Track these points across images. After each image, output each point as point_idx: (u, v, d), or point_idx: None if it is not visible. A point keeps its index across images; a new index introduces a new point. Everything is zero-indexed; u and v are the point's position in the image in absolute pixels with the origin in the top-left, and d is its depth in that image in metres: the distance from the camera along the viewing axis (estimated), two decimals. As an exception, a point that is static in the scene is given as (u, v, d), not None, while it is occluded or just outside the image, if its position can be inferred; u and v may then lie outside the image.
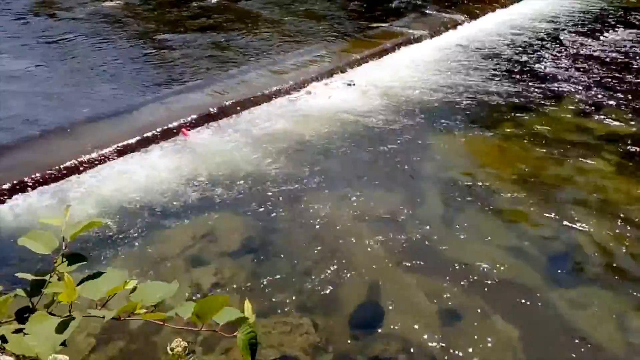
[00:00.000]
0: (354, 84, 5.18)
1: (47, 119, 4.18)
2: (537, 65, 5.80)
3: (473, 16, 7.21)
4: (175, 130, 4.14)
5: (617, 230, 3.26)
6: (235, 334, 1.04)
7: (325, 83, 5.18)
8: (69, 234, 1.14)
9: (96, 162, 3.74)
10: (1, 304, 1.03)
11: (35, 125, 4.10)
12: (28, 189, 3.45)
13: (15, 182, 3.43)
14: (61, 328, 1.02)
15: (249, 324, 1.03)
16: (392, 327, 2.59)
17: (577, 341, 2.54)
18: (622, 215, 3.41)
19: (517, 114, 4.73)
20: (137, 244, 3.08)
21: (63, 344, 1.01)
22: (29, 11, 6.89)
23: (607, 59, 6.01)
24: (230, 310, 1.08)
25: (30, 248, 1.14)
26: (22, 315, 1.08)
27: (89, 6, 7.09)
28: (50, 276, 1.12)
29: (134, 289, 1.11)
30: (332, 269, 2.93)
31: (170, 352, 1.08)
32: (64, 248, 1.15)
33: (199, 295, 2.75)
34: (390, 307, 2.69)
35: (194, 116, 4.29)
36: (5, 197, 3.38)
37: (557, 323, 2.63)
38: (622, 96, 5.08)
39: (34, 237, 1.17)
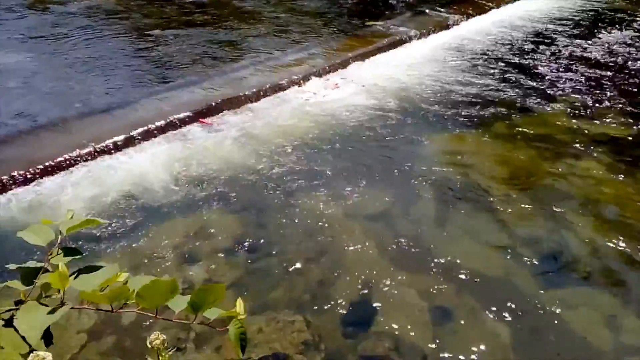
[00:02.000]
0: (349, 82, 5.18)
1: (40, 114, 4.15)
2: (531, 66, 5.82)
3: (468, 16, 7.23)
4: (158, 131, 4.08)
5: (608, 231, 3.28)
6: (227, 327, 1.09)
7: (320, 81, 5.17)
8: (65, 229, 1.17)
9: (88, 157, 3.72)
10: None
11: (27, 119, 4.07)
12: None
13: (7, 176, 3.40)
14: (51, 315, 1.04)
15: (240, 320, 1.07)
16: (384, 325, 2.59)
17: (567, 340, 2.55)
18: (613, 216, 3.43)
19: (511, 114, 4.75)
20: (128, 239, 3.06)
21: (50, 340, 1.02)
22: (22, 5, 6.83)
23: (601, 61, 6.04)
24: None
25: (27, 240, 1.18)
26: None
27: (82, 0, 7.03)
28: (44, 269, 1.13)
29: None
30: (324, 267, 2.93)
31: (149, 346, 1.07)
32: (59, 242, 1.18)
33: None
34: (382, 306, 2.70)
35: (188, 112, 4.27)
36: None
37: (547, 322, 2.65)
38: (615, 98, 5.11)
39: (33, 231, 1.21)
